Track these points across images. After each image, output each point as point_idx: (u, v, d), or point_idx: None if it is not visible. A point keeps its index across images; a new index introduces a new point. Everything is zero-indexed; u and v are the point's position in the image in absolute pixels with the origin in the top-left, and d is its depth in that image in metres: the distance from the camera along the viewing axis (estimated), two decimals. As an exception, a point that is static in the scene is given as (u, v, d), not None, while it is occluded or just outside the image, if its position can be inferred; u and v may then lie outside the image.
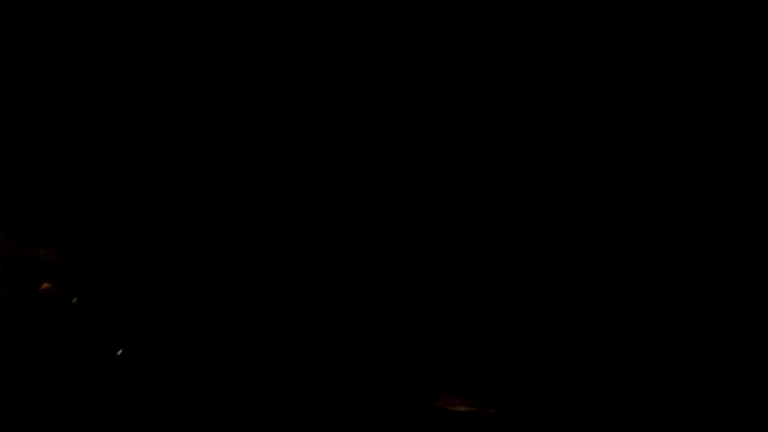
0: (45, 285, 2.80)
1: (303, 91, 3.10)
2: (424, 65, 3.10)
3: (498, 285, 3.12)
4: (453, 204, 3.14)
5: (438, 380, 3.10)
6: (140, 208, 2.99)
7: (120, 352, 2.87)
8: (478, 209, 3.14)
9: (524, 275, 3.13)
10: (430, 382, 3.10)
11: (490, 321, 3.11)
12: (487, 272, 3.13)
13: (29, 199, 2.85)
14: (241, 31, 3.07)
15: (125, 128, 2.97)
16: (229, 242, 3.04)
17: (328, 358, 3.08)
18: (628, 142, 3.12)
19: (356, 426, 3.04)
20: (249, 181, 3.06)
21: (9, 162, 2.76)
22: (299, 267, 3.10)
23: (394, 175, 3.05)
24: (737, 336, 3.04)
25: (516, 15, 3.08)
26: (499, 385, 3.10)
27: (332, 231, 3.09)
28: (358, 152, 3.09)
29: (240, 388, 3.01)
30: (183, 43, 3.06)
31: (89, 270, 2.92)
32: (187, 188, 3.02)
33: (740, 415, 2.99)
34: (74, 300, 2.87)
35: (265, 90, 3.09)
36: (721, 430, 2.99)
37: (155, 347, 2.97)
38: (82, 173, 2.91)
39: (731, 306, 3.04)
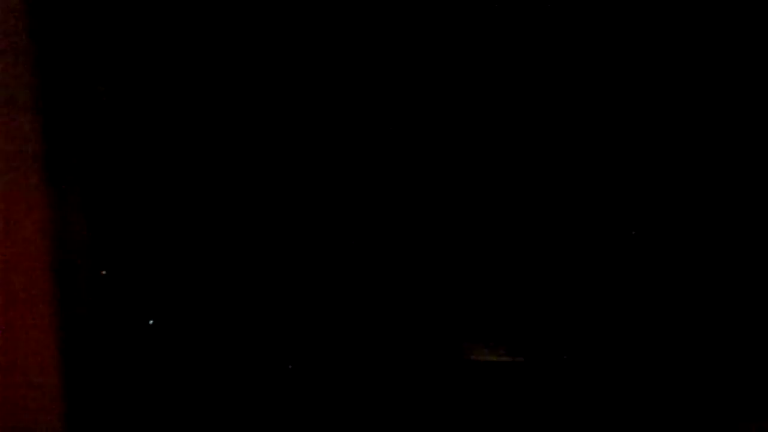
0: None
1: (303, 91, 3.09)
2: (424, 65, 3.08)
3: (522, 231, 3.12)
4: (475, 152, 3.13)
5: (466, 330, 3.13)
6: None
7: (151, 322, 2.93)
8: (499, 153, 3.12)
9: (549, 220, 3.12)
10: (459, 333, 3.13)
11: (516, 268, 3.12)
12: (511, 218, 3.12)
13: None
14: (241, 30, 3.05)
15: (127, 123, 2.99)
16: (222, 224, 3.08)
17: (350, 311, 3.13)
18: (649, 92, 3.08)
19: (386, 379, 3.10)
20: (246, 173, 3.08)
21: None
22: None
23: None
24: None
25: (516, 15, 3.04)
26: (528, 333, 3.12)
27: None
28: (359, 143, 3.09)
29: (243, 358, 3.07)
30: (183, 43, 3.05)
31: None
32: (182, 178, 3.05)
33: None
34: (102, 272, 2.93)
35: (265, 90, 3.09)
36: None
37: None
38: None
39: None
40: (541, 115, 3.08)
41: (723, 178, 3.04)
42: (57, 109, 2.80)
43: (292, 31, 3.01)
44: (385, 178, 3.10)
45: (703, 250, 3.07)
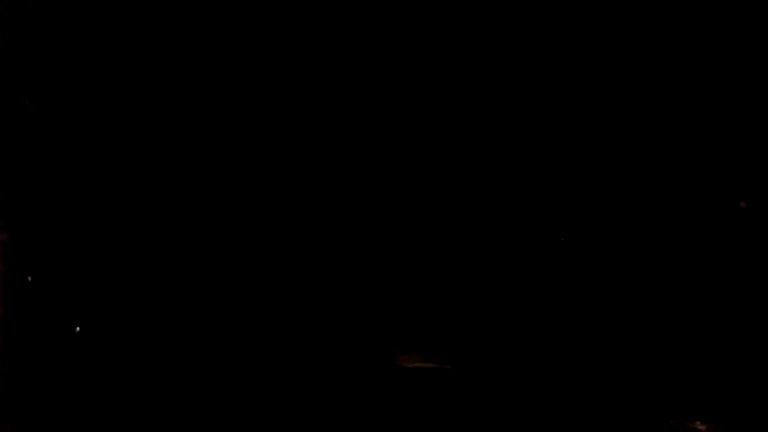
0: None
1: (302, 91, 3.09)
2: (424, 65, 3.08)
3: (449, 240, 3.13)
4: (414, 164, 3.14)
5: (396, 337, 3.14)
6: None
7: (78, 329, 2.93)
8: (422, 162, 3.13)
9: (480, 229, 3.13)
10: (388, 340, 3.14)
11: (446, 276, 3.13)
12: (440, 227, 3.13)
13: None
14: (240, 31, 3.06)
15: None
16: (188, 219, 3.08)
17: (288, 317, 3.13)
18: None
19: (315, 384, 3.10)
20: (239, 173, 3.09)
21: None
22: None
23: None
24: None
25: (516, 15, 3.05)
26: (456, 341, 3.13)
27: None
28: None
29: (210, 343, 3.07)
30: (182, 43, 3.05)
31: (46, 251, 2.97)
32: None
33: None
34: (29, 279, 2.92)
35: (264, 90, 3.09)
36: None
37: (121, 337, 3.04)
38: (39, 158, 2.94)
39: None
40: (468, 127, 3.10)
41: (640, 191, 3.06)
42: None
43: (291, 32, 3.01)
44: (308, 186, 3.11)
45: (624, 258, 3.09)
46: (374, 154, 3.12)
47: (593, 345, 3.10)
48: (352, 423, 3.09)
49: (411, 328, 3.14)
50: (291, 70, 3.07)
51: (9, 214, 2.85)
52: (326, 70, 3.06)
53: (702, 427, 3.04)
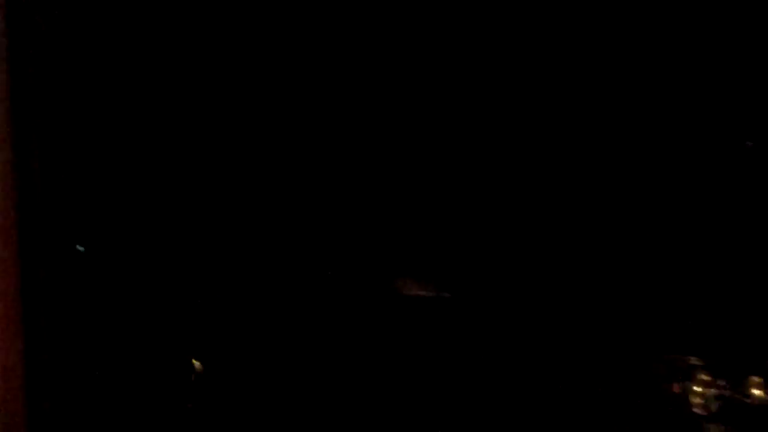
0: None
1: (302, 91, 3.18)
2: (424, 65, 3.13)
3: (454, 166, 3.20)
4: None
5: (395, 266, 3.24)
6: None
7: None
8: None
9: (480, 157, 3.19)
10: (388, 268, 3.24)
11: (446, 206, 3.21)
12: (442, 153, 3.20)
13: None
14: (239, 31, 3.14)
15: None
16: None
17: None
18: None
19: (317, 311, 3.23)
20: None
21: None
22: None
23: None
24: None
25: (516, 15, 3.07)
26: (455, 270, 3.22)
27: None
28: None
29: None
30: (181, 43, 3.15)
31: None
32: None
33: None
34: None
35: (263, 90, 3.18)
36: None
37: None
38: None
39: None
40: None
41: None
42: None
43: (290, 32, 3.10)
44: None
45: (622, 189, 3.11)
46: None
47: (591, 279, 3.14)
48: (352, 348, 3.21)
49: (411, 257, 3.24)
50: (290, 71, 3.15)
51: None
52: None
53: (696, 362, 3.07)
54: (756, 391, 2.97)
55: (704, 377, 3.02)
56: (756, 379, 2.97)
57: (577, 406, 3.09)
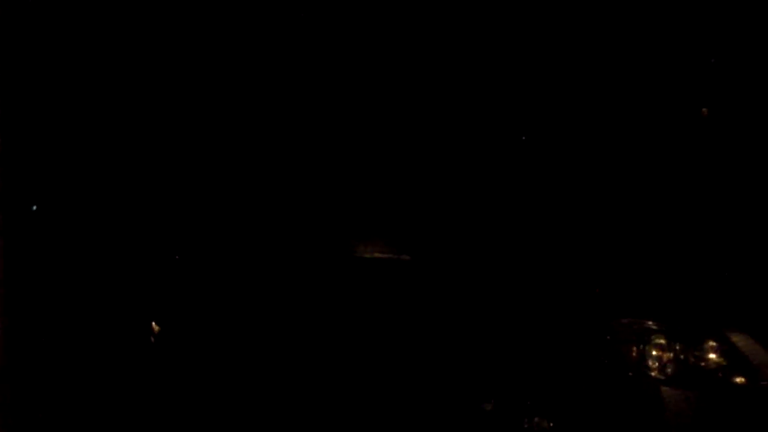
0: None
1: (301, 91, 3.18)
2: (423, 66, 3.13)
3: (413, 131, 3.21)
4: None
5: (356, 230, 3.25)
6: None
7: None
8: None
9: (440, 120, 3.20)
10: (350, 233, 3.25)
11: (405, 172, 3.22)
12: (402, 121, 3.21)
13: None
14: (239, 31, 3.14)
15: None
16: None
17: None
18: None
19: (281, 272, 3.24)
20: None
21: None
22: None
23: None
24: None
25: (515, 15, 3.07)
26: (413, 233, 3.23)
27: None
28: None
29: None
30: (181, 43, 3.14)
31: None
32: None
33: None
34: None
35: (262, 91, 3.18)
36: None
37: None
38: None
39: None
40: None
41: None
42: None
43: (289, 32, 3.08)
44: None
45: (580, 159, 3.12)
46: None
47: (548, 242, 3.15)
48: (316, 308, 3.22)
49: (371, 221, 3.25)
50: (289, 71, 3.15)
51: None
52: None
53: (653, 326, 3.08)
54: (712, 355, 2.98)
55: (661, 341, 3.03)
56: (712, 343, 2.98)
57: (534, 370, 3.10)
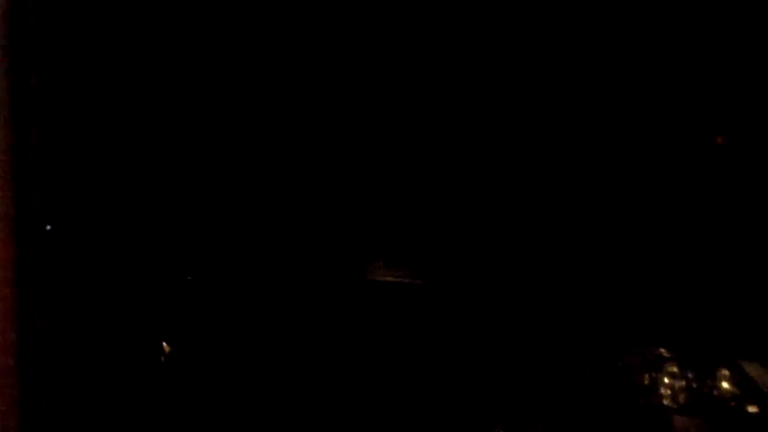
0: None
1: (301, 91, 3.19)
2: (423, 66, 3.15)
3: (429, 156, 3.21)
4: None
5: (370, 253, 3.25)
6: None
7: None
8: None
9: (456, 149, 3.21)
10: (363, 255, 3.26)
11: (419, 196, 3.22)
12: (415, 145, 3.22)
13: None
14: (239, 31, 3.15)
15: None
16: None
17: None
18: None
19: (294, 295, 3.24)
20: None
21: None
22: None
23: None
24: None
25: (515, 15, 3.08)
26: (427, 258, 3.23)
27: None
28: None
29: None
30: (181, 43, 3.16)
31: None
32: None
33: None
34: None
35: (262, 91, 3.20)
36: None
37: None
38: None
39: None
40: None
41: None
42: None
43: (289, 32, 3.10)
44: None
45: (595, 184, 3.13)
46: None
47: (564, 270, 3.15)
48: (328, 331, 3.22)
49: (385, 244, 3.25)
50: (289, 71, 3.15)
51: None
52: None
53: (666, 354, 3.07)
54: (724, 384, 2.97)
55: (673, 369, 3.02)
56: (725, 371, 2.97)
57: (548, 396, 3.09)
